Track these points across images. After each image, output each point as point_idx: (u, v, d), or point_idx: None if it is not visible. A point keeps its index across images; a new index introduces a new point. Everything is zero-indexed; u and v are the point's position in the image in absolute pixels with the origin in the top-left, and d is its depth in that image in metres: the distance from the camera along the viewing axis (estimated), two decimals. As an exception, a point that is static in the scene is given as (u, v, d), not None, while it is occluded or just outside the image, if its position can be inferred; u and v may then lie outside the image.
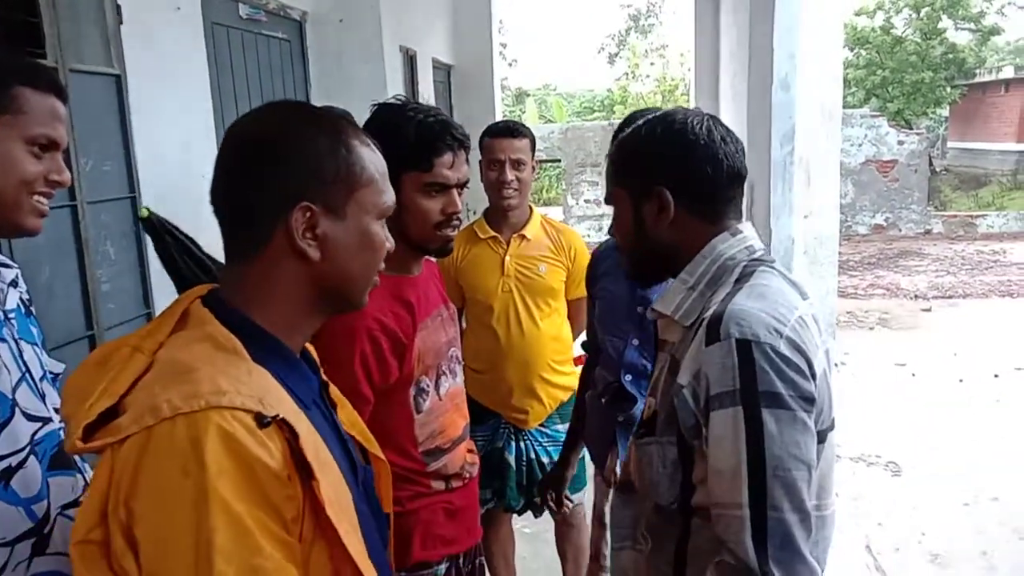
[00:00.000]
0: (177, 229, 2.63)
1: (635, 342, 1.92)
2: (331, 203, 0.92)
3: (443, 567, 1.68)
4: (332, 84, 4.74)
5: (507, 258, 2.48)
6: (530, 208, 2.57)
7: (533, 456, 2.52)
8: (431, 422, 1.65)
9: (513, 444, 2.52)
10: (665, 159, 1.21)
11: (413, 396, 1.62)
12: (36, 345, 1.25)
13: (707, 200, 1.22)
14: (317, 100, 4.64)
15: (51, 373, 1.25)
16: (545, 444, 2.54)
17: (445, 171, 1.57)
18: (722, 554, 1.06)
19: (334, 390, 1.08)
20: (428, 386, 1.64)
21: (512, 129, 2.47)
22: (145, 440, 0.79)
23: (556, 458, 2.55)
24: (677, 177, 1.20)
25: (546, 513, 2.61)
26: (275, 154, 0.91)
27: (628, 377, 2.03)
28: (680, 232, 1.22)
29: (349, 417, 1.08)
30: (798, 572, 1.02)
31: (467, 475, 1.74)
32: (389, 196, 0.99)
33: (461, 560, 1.74)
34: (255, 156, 0.92)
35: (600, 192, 11.91)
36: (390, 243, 1.01)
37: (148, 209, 2.65)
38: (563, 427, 2.56)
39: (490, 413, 2.52)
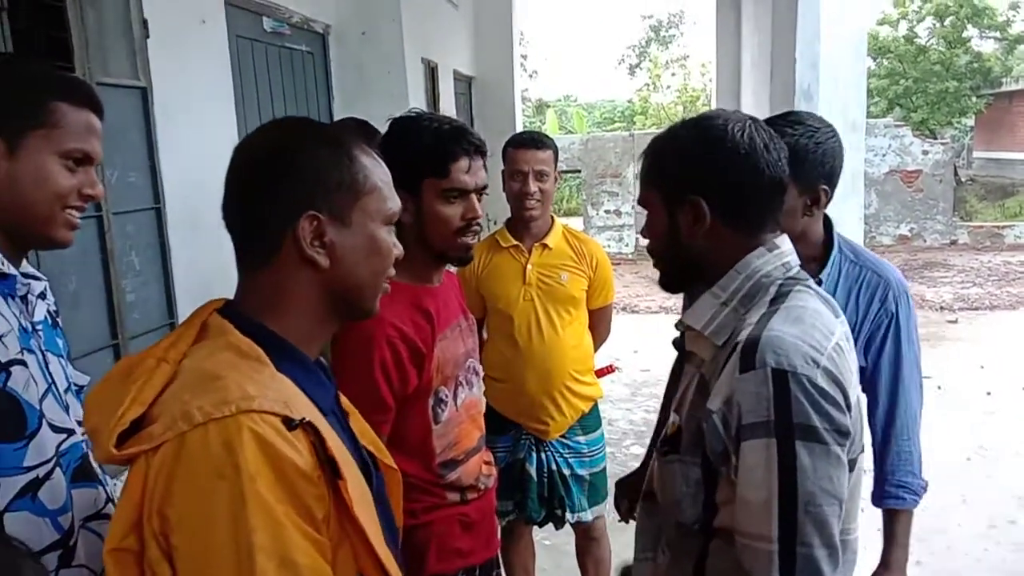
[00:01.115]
0: None
1: None
2: (337, 211, 0.95)
3: None
4: (354, 96, 4.79)
5: (529, 267, 2.48)
6: (552, 218, 2.56)
7: (554, 467, 2.51)
8: (448, 433, 1.65)
9: (534, 455, 2.51)
10: (703, 168, 1.15)
11: (432, 406, 1.62)
12: (62, 357, 1.26)
13: (745, 212, 1.17)
14: (339, 111, 4.68)
15: (76, 385, 1.26)
16: (566, 455, 2.52)
17: (463, 176, 1.58)
18: None
19: (345, 400, 1.10)
20: (447, 396, 1.64)
21: (536, 140, 2.47)
22: (179, 446, 0.81)
23: (577, 471, 2.52)
24: (715, 187, 1.15)
25: (567, 525, 2.60)
26: (281, 166, 0.94)
27: None
28: (715, 243, 1.17)
29: (359, 426, 1.10)
30: None
31: (482, 487, 1.73)
32: (394, 203, 1.02)
33: (477, 572, 1.73)
34: (262, 169, 0.95)
35: (620, 203, 11.88)
36: (398, 249, 1.03)
37: None
38: (584, 438, 2.54)
39: (511, 424, 2.51)
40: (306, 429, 0.85)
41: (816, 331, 1.08)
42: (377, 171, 1.00)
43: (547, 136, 2.56)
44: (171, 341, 0.92)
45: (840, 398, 1.04)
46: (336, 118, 4.61)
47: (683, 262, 1.22)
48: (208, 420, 0.81)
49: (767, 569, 1.01)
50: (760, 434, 1.02)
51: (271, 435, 0.81)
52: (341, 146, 0.97)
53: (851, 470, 1.09)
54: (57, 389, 1.18)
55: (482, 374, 1.82)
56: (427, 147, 1.57)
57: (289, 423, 0.84)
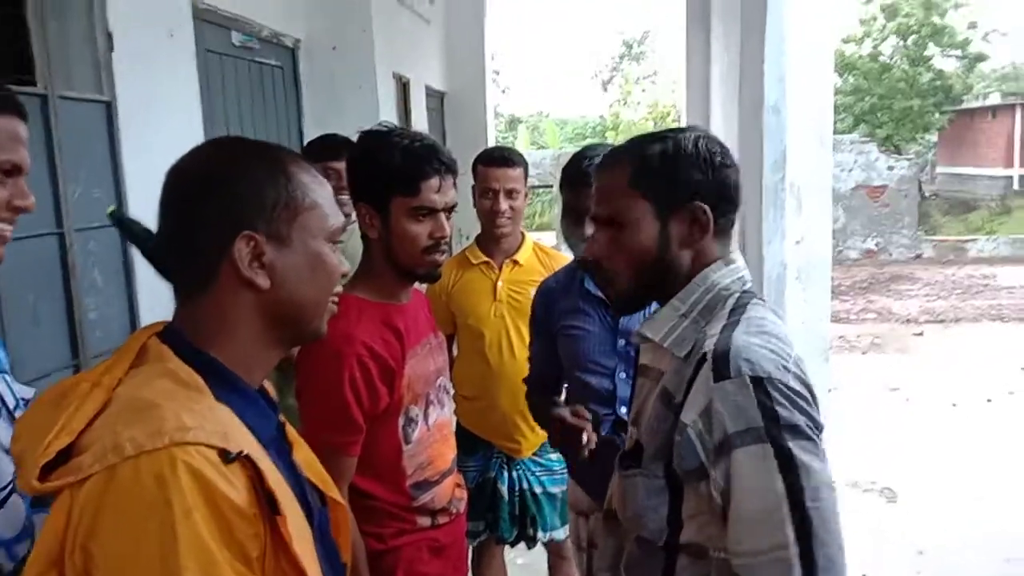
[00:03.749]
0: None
1: (623, 375, 1.90)
2: (275, 230, 0.92)
3: None
4: (325, 111, 4.76)
5: (499, 283, 2.47)
6: (522, 234, 2.56)
7: (526, 486, 2.48)
8: (419, 453, 1.62)
9: (506, 474, 2.48)
10: (707, 173, 1.17)
11: (402, 426, 1.59)
12: (6, 373, 1.21)
13: (726, 225, 1.20)
14: (309, 127, 4.65)
15: (23, 400, 1.21)
16: (538, 474, 2.50)
17: (432, 195, 1.55)
18: None
19: (291, 431, 1.06)
20: (417, 416, 1.62)
21: (507, 158, 2.45)
22: (107, 479, 0.76)
23: (549, 488, 2.50)
24: (716, 194, 1.17)
25: (539, 545, 2.57)
26: (212, 187, 0.91)
27: (624, 409, 2.00)
28: (695, 254, 1.18)
29: (305, 458, 1.06)
30: None
31: (454, 510, 1.70)
32: (336, 219, 0.98)
33: None
34: (193, 190, 0.92)
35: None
36: (344, 266, 1.01)
37: (113, 208, 2.64)
38: (556, 456, 2.52)
39: (482, 442, 2.48)
40: (244, 463, 0.82)
41: (779, 341, 1.10)
42: (316, 187, 0.96)
43: (517, 152, 2.55)
44: (107, 365, 0.88)
45: (810, 397, 1.07)
46: (306, 133, 4.58)
47: (658, 276, 1.20)
48: (139, 452, 0.77)
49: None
50: (751, 440, 1.01)
51: (206, 469, 0.78)
52: (276, 163, 0.94)
53: None
54: (7, 409, 1.14)
55: (452, 392, 1.80)
56: (397, 164, 1.54)
57: (226, 456, 0.80)
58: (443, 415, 1.71)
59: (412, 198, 1.55)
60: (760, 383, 1.03)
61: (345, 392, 1.49)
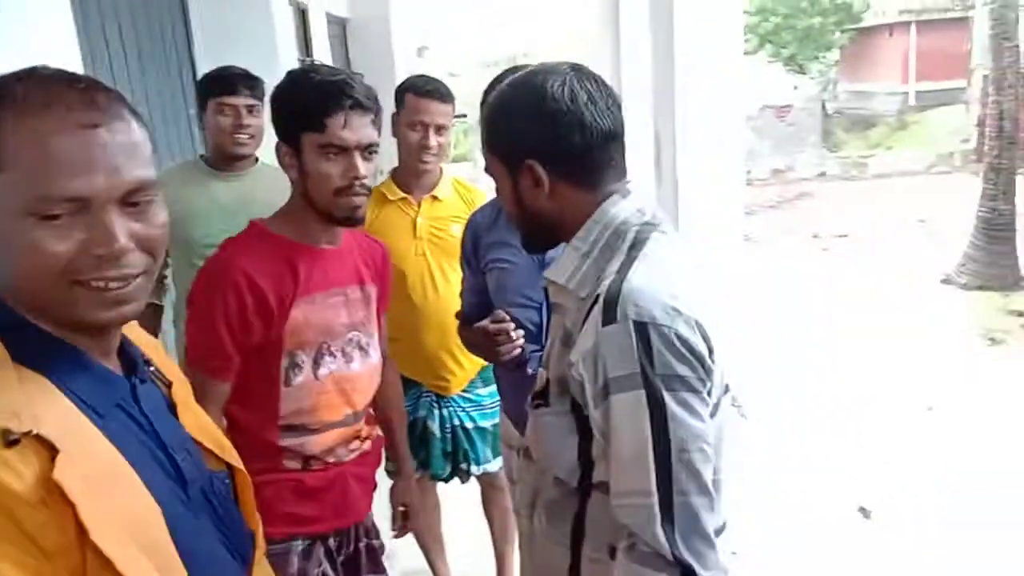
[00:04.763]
0: None
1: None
2: None
3: (299, 544, 1.62)
4: (218, 41, 4.44)
5: (419, 220, 2.39)
6: (440, 168, 2.47)
7: (457, 423, 2.47)
8: (301, 399, 1.58)
9: (436, 412, 2.46)
10: (529, 131, 1.14)
11: (285, 368, 1.56)
12: None
13: (582, 168, 1.16)
14: (202, 58, 4.34)
15: None
16: (468, 409, 2.49)
17: (339, 132, 1.48)
18: (629, 538, 1.04)
19: (176, 391, 0.96)
20: (304, 362, 1.58)
21: (441, 92, 2.32)
22: None
23: (480, 423, 2.50)
24: (545, 149, 1.14)
25: (472, 479, 2.58)
26: None
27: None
28: (561, 202, 1.17)
29: (198, 421, 0.96)
30: (706, 555, 1.01)
31: (333, 460, 1.65)
32: (51, 186, 0.74)
33: (332, 541, 1.68)
34: None
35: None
36: (119, 242, 0.77)
37: None
38: (485, 391, 2.51)
39: (411, 383, 2.44)
40: (39, 442, 0.71)
41: (674, 278, 1.09)
42: (32, 141, 0.75)
43: (447, 86, 2.41)
44: None
45: (700, 344, 1.05)
46: (199, 65, 4.28)
47: (537, 224, 1.22)
48: None
49: (649, 523, 1.01)
50: (627, 387, 1.02)
51: None
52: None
53: (713, 415, 1.09)
54: None
55: (373, 349, 1.72)
56: (306, 99, 1.50)
57: (7, 437, 0.70)
58: (348, 370, 1.64)
59: (319, 135, 1.49)
60: (644, 328, 1.02)
61: (216, 319, 1.50)
